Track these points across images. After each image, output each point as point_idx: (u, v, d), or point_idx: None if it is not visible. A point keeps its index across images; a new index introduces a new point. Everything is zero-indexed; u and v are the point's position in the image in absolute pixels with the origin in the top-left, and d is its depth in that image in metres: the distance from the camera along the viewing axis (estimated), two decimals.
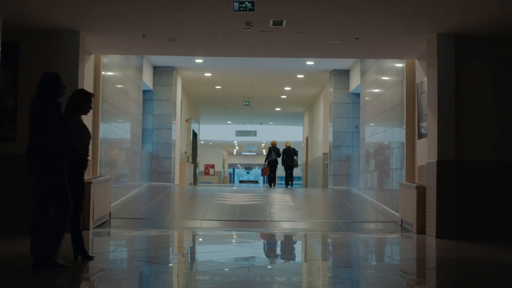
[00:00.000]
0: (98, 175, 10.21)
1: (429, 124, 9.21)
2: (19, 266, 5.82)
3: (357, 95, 16.58)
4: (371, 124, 13.60)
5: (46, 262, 5.52)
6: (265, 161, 19.93)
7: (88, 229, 9.07)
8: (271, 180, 19.88)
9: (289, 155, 19.73)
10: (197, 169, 24.74)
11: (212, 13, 8.13)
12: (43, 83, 5.72)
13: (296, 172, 34.20)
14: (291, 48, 10.17)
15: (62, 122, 5.57)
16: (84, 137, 6.23)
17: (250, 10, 7.52)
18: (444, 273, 6.23)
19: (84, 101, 6.28)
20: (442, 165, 8.81)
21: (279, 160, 20.01)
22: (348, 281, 5.53)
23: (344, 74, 17.19)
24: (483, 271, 6.22)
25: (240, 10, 7.46)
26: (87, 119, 9.76)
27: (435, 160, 8.86)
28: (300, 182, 30.70)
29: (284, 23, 8.51)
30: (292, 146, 20.16)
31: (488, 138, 8.99)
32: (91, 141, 9.92)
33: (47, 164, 5.54)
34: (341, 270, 6.14)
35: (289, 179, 19.77)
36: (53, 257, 5.56)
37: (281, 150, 19.84)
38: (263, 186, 21.54)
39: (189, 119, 21.77)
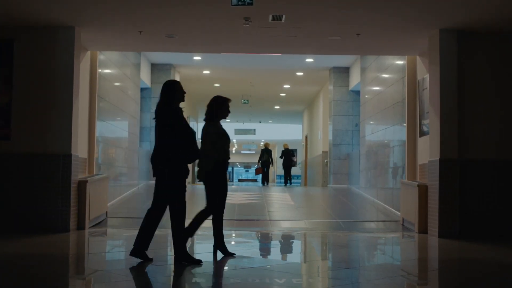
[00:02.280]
0: (94, 173, 10.07)
1: (431, 122, 9.06)
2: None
3: (357, 92, 16.46)
4: (372, 122, 13.47)
5: (141, 254, 6.02)
6: (258, 161, 21.35)
7: (83, 228, 8.93)
8: (264, 178, 21.16)
9: (287, 156, 21.02)
10: (195, 168, 24.58)
11: (210, 7, 7.97)
12: (164, 91, 6.02)
13: (296, 170, 34.23)
14: (291, 45, 10.02)
15: (184, 127, 5.89)
16: (224, 141, 6.57)
17: (249, 4, 7.36)
18: (448, 274, 6.09)
19: (220, 108, 6.63)
20: (444, 163, 8.65)
21: (280, 161, 21.70)
22: (349, 283, 5.40)
23: (344, 71, 17.08)
24: (488, 272, 6.07)
25: (239, 4, 7.31)
26: (83, 117, 9.64)
27: (438, 158, 8.70)
28: (299, 180, 30.65)
29: (283, 19, 8.35)
30: (290, 148, 21.51)
31: (492, 136, 8.84)
32: (90, 139, 9.95)
33: (171, 169, 5.87)
34: (342, 271, 5.99)
35: (287, 178, 21.01)
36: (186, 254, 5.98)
37: (277, 151, 21.22)
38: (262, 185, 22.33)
39: (187, 117, 21.64)
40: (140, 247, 6.02)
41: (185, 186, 6.00)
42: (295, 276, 5.69)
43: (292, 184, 21.57)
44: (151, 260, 6.04)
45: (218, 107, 6.63)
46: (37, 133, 8.69)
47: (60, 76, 8.78)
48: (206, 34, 9.40)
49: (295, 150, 36.24)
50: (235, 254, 6.54)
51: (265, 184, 21.07)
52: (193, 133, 5.99)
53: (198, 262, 5.95)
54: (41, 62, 8.79)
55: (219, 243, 6.56)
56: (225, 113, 6.66)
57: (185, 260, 5.93)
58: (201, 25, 8.84)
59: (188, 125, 5.96)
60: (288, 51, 11.52)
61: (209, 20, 8.54)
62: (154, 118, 6.06)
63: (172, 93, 6.01)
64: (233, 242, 8.36)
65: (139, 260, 6.29)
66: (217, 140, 6.52)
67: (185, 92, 6.12)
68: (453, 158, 8.68)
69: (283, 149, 21.47)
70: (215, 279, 5.50)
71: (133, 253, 6.01)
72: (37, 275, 5.44)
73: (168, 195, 5.97)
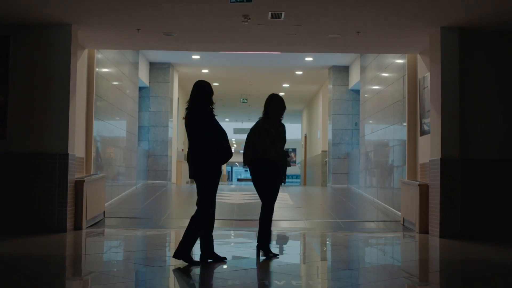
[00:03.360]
0: (92, 173, 9.96)
1: (432, 121, 8.97)
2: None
3: (356, 91, 16.36)
4: (371, 121, 13.37)
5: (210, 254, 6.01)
6: None
7: (80, 228, 8.83)
8: None
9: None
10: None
11: (208, 5, 7.87)
12: (195, 93, 6.04)
13: (295, 170, 34.15)
14: (290, 43, 9.92)
15: (217, 128, 5.92)
16: (261, 139, 6.41)
17: (248, 1, 7.25)
18: (450, 276, 5.98)
19: (267, 106, 6.55)
20: (446, 162, 8.56)
21: None
22: (349, 285, 5.29)
23: (344, 70, 16.97)
24: (491, 273, 5.97)
25: (237, 1, 7.20)
26: (80, 116, 9.53)
27: (439, 157, 8.61)
28: (298, 180, 30.61)
29: (283, 16, 8.25)
30: (287, 148, 21.48)
31: (494, 135, 8.75)
32: (87, 138, 9.90)
33: (205, 169, 5.88)
34: (342, 272, 5.89)
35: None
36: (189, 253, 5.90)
37: None
38: None
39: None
40: (206, 251, 6.05)
41: (217, 185, 5.99)
42: (295, 277, 5.58)
43: (288, 184, 22.29)
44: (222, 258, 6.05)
45: (267, 105, 6.57)
46: (34, 132, 8.59)
47: (56, 74, 8.68)
48: (205, 32, 9.30)
49: (294, 149, 36.20)
50: (278, 255, 6.48)
51: None
52: (224, 132, 6.00)
53: (198, 263, 5.89)
54: (37, 60, 8.69)
55: (265, 245, 6.42)
56: (273, 111, 6.50)
57: (185, 260, 5.87)
58: (199, 23, 8.73)
59: (219, 125, 5.97)
60: (288, 49, 11.42)
61: (207, 17, 8.44)
62: (183, 118, 6.04)
63: (205, 95, 6.02)
64: (232, 243, 8.27)
65: (136, 262, 6.18)
66: (252, 138, 6.42)
67: (212, 94, 6.14)
68: (454, 157, 8.59)
69: None
70: (213, 281, 5.40)
71: (202, 258, 6.04)
72: (33, 276, 5.34)
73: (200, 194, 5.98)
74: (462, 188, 8.57)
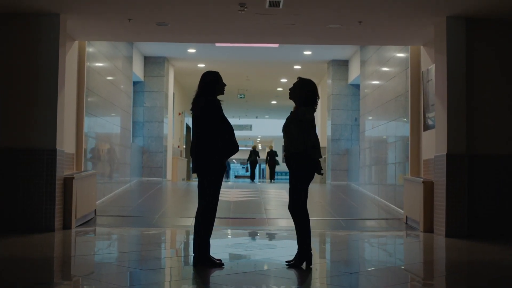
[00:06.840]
0: (83, 170, 9.60)
1: (438, 115, 8.60)
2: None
3: (356, 86, 16.04)
4: (372, 117, 13.03)
5: (206, 258, 5.57)
6: (247, 161, 24.51)
7: (70, 228, 8.47)
8: (251, 176, 24.00)
9: (272, 156, 23.90)
10: (190, 164, 24.19)
11: None
12: (203, 83, 5.72)
13: (283, 167, 35.02)
14: (289, 34, 9.55)
15: (223, 119, 5.63)
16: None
17: None
18: (459, 278, 5.62)
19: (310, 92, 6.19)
20: (452, 158, 8.20)
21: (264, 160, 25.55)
22: None
23: (343, 64, 16.67)
24: (502, 275, 5.62)
25: None
26: (70, 111, 9.16)
27: (445, 153, 8.25)
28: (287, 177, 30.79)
29: (281, 4, 7.87)
30: (274, 149, 24.74)
31: (502, 129, 8.40)
32: (78, 134, 9.53)
33: (210, 163, 5.59)
34: (344, 276, 5.55)
35: (272, 175, 23.92)
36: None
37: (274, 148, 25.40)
38: (259, 182, 23.12)
39: (182, 112, 21.14)
40: (201, 253, 5.60)
41: (220, 183, 5.67)
42: (294, 282, 5.23)
43: (276, 180, 24.50)
44: (220, 264, 5.60)
45: (310, 93, 6.28)
46: (20, 127, 8.21)
47: (44, 67, 8.30)
48: (199, 22, 8.92)
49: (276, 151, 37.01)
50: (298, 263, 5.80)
51: (253, 181, 23.35)
52: (231, 126, 5.72)
53: (220, 265, 5.57)
54: (24, 52, 8.31)
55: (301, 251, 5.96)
56: (314, 99, 6.26)
57: (208, 262, 5.56)
58: (194, 12, 8.36)
59: (225, 117, 5.68)
60: (286, 40, 11.07)
61: (202, 6, 8.07)
62: (191, 109, 5.74)
63: (211, 85, 5.69)
64: (229, 243, 7.92)
65: (128, 264, 5.85)
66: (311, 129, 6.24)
67: (225, 85, 5.79)
68: (461, 152, 8.23)
69: (268, 150, 24.42)
70: (207, 285, 5.05)
71: (196, 261, 5.59)
72: (18, 280, 4.99)
73: (204, 189, 5.63)
74: (469, 184, 8.22)
